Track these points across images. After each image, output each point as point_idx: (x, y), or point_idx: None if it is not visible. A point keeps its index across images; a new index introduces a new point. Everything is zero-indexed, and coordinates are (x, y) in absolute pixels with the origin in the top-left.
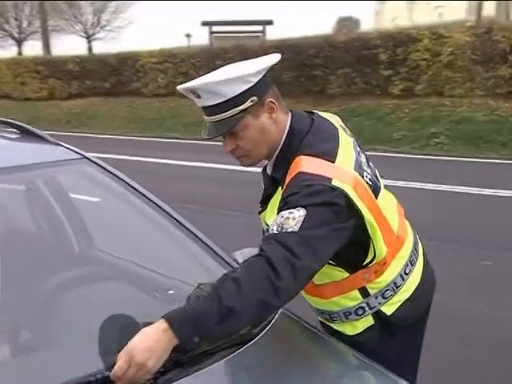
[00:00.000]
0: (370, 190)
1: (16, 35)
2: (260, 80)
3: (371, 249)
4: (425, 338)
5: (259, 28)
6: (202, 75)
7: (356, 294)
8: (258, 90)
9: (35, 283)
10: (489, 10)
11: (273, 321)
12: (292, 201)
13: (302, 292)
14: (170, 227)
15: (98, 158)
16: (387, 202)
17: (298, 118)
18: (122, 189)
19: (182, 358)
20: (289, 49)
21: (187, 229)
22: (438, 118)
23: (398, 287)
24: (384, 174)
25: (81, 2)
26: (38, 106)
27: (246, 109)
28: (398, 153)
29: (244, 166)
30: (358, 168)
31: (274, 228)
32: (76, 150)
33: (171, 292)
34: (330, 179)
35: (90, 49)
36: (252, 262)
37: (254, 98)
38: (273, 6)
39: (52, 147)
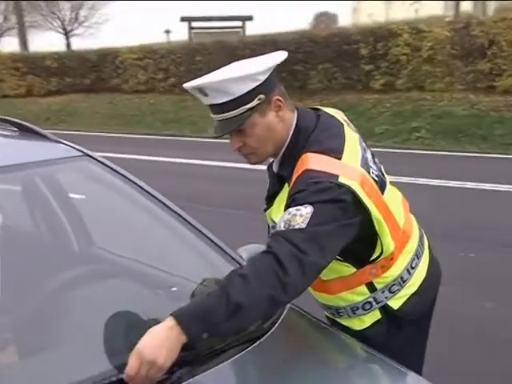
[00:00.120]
0: (376, 186)
1: None
2: (267, 78)
3: (378, 244)
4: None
5: (239, 24)
6: (183, 71)
7: (363, 288)
8: (265, 88)
9: (37, 282)
10: (466, 6)
11: (282, 316)
12: (299, 198)
13: (309, 288)
14: (173, 224)
15: None
16: (393, 197)
17: (303, 116)
18: (125, 186)
19: (195, 356)
20: (269, 44)
21: (193, 226)
22: (419, 113)
23: (404, 281)
24: None
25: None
26: (17, 103)
27: (254, 107)
28: (379, 147)
29: (251, 163)
30: (365, 164)
31: (282, 225)
32: (77, 147)
33: (174, 289)
34: (337, 176)
35: (68, 45)
36: (259, 259)
37: (262, 96)
38: (250, 5)
39: (53, 145)
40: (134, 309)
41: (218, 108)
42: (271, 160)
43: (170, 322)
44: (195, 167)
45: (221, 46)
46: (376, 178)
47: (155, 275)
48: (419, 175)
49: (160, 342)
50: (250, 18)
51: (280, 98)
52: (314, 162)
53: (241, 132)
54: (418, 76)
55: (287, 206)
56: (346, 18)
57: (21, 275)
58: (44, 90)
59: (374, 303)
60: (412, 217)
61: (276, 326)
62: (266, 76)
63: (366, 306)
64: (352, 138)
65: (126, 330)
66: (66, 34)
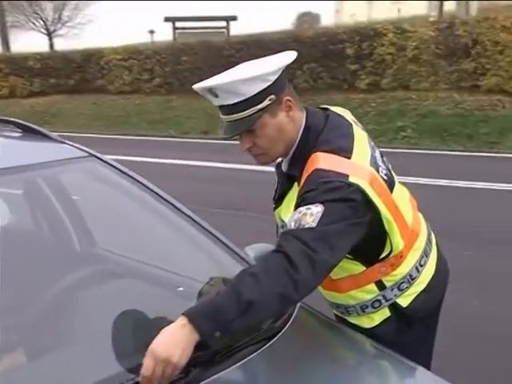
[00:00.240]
0: (385, 185)
1: None
2: (278, 78)
3: (388, 243)
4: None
5: (223, 24)
6: (169, 71)
7: (372, 287)
8: (275, 88)
9: (44, 284)
10: (449, 6)
11: (293, 315)
12: (310, 197)
13: (319, 287)
14: (180, 223)
15: None
16: (401, 196)
17: (313, 115)
18: (131, 186)
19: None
20: (254, 44)
21: (203, 227)
22: (405, 112)
23: (413, 279)
24: None
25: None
26: None
27: (264, 107)
28: None
29: (261, 164)
30: (374, 163)
31: (292, 224)
32: (82, 147)
33: (181, 289)
34: (347, 176)
35: (51, 46)
36: (269, 258)
37: (272, 96)
38: (234, 5)
39: (57, 146)
40: (144, 309)
41: (229, 109)
42: (279, 160)
43: (182, 320)
44: (181, 168)
45: (206, 46)
46: (385, 177)
47: (162, 275)
48: (406, 174)
49: (173, 341)
50: (234, 18)
51: (290, 98)
52: (323, 161)
53: (251, 132)
54: (403, 75)
55: (297, 206)
56: (328, 18)
57: (31, 277)
58: (27, 91)
59: (383, 301)
60: (420, 215)
61: (288, 325)
62: (276, 76)
63: (375, 304)
64: (361, 137)
65: (137, 331)
66: (49, 34)
